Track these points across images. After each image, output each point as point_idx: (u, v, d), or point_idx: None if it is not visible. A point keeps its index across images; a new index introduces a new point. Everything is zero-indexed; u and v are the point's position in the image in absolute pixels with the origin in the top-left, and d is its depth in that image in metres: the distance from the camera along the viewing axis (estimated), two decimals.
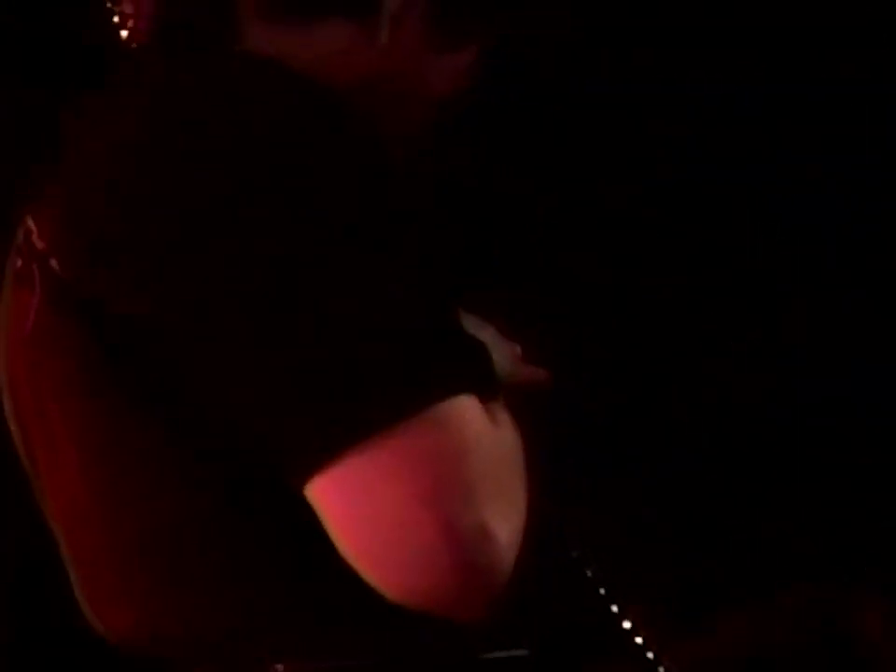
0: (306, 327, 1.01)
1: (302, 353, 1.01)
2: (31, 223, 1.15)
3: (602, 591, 1.25)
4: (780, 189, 2.56)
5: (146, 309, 1.05)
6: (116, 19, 1.24)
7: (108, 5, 1.26)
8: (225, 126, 1.05)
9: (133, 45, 1.24)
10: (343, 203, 1.04)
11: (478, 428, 1.03)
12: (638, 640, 1.28)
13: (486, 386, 1.07)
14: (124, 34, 1.24)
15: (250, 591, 1.10)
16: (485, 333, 1.32)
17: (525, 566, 1.05)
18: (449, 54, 1.25)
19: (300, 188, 1.03)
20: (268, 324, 1.01)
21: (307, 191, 1.04)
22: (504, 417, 1.09)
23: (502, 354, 1.33)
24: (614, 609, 1.25)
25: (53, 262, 1.10)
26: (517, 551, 1.03)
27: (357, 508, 1.00)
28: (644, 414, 2.50)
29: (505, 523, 1.02)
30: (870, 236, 2.54)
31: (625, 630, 1.28)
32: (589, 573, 1.25)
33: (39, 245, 1.12)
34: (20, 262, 1.17)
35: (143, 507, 1.12)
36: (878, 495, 2.48)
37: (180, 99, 1.09)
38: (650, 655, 1.28)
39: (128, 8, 1.23)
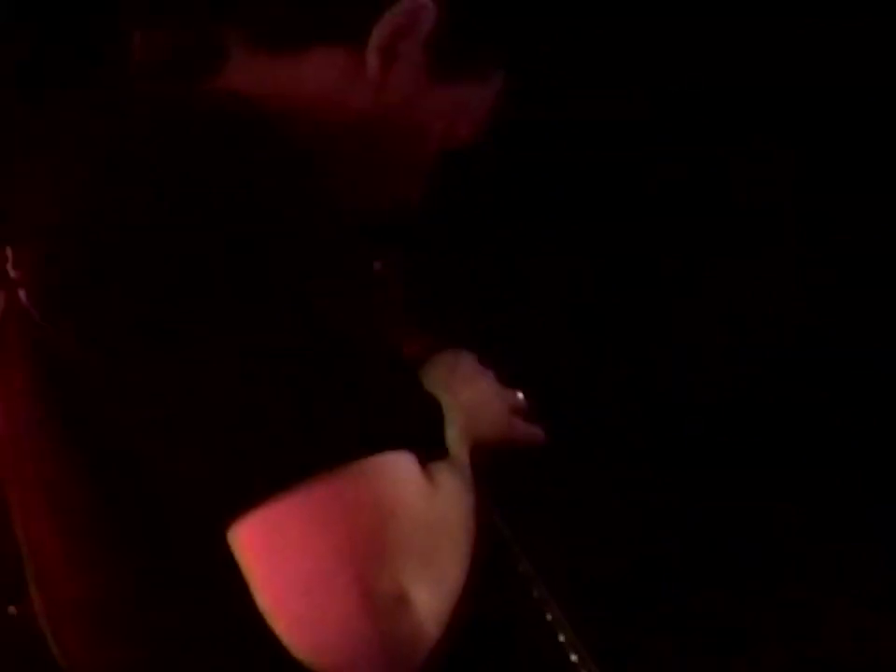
0: (245, 374, 0.97)
1: (237, 399, 0.97)
2: (9, 252, 1.11)
3: (560, 638, 1.19)
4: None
5: (95, 354, 1.02)
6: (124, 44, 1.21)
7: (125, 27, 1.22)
8: (185, 184, 1.02)
9: (129, 79, 1.18)
10: (292, 270, 1.00)
11: (408, 488, 0.97)
12: None
13: (428, 447, 1.01)
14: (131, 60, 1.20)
15: (186, 639, 1.06)
16: (483, 382, 1.28)
17: (478, 616, 1.01)
18: (458, 90, 1.16)
19: (252, 254, 1.00)
20: (208, 372, 0.98)
21: (259, 257, 1.00)
22: (448, 479, 1.03)
23: (494, 409, 1.28)
24: (573, 658, 1.18)
25: (22, 293, 1.07)
26: (441, 621, 0.97)
27: (274, 559, 0.96)
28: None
29: (427, 590, 0.96)
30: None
31: None
32: (561, 638, 1.19)
33: (13, 273, 1.09)
34: None
35: (87, 551, 1.09)
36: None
37: (143, 150, 1.04)
38: None
39: (137, 37, 1.20)
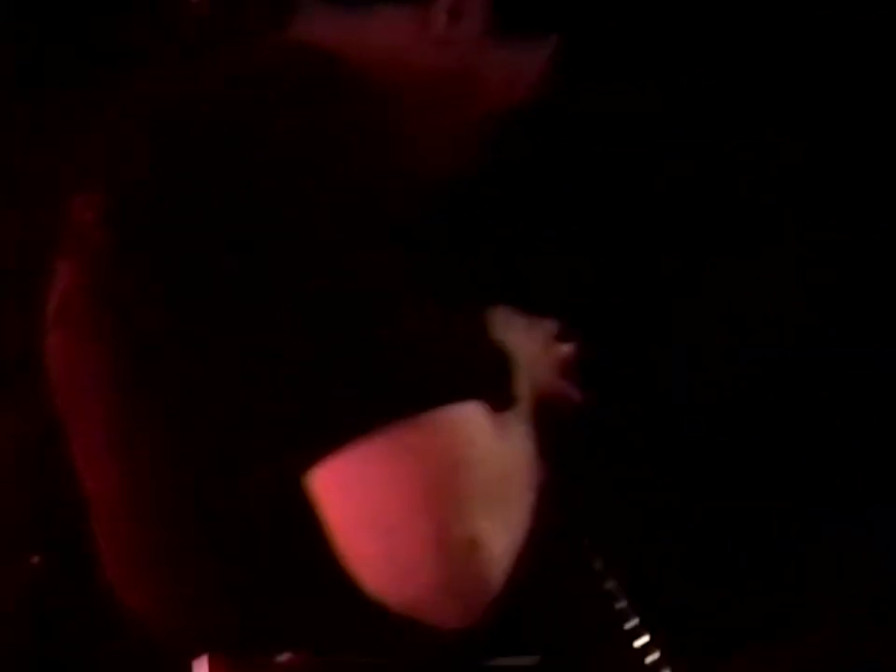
0: (327, 320, 1.01)
1: (320, 344, 1.01)
2: (80, 199, 1.15)
3: (618, 605, 1.24)
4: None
5: (183, 280, 1.06)
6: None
7: None
8: (267, 128, 1.04)
9: (194, 19, 1.23)
10: (363, 208, 1.04)
11: (481, 438, 1.01)
12: (649, 660, 1.27)
13: (498, 396, 1.06)
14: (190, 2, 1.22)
15: (260, 581, 1.09)
16: (536, 336, 1.32)
17: (536, 575, 1.04)
18: (509, 52, 1.22)
19: (322, 195, 1.03)
20: (292, 315, 1.02)
21: (331, 199, 1.03)
22: (516, 430, 1.09)
23: (544, 362, 1.32)
24: (628, 626, 1.23)
25: (98, 234, 1.10)
26: (509, 565, 1.01)
27: (351, 501, 1.00)
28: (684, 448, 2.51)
29: (497, 536, 1.00)
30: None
31: (636, 649, 1.27)
32: (608, 586, 1.24)
33: (86, 216, 1.12)
34: (65, 236, 1.18)
35: (160, 492, 1.12)
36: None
37: (224, 95, 1.08)
38: None
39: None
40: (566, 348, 1.38)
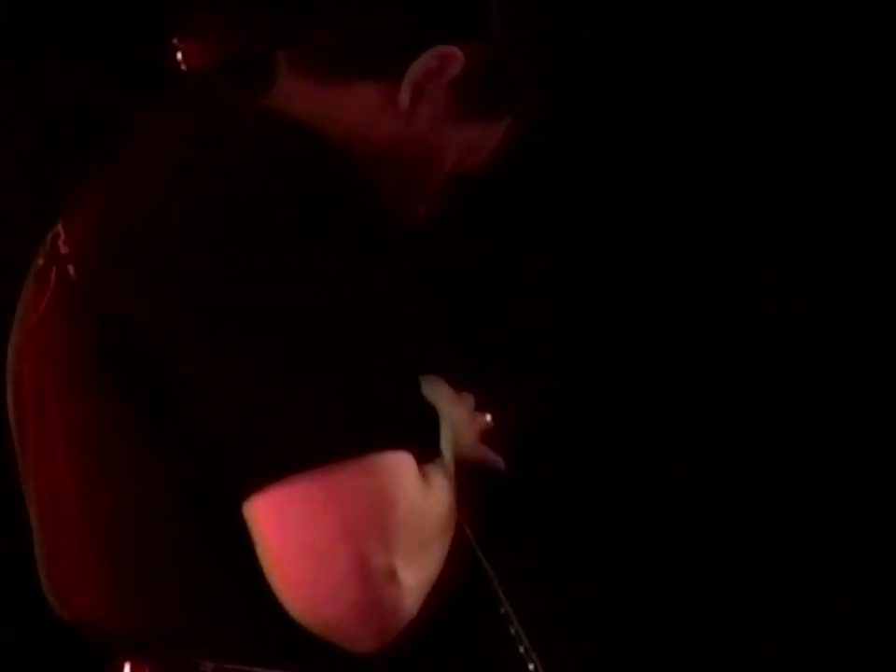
0: (284, 357, 1.10)
1: (274, 379, 1.10)
2: (60, 228, 1.26)
3: (521, 649, 1.33)
4: None
5: (145, 315, 1.15)
6: (178, 55, 1.33)
7: (173, 40, 1.33)
8: (245, 180, 1.15)
9: (187, 80, 1.33)
10: (329, 258, 1.13)
11: (407, 484, 1.11)
12: None
13: (426, 450, 1.16)
14: (182, 67, 1.33)
15: (194, 591, 1.18)
16: (462, 405, 1.45)
17: (446, 612, 1.15)
18: (473, 128, 1.34)
19: (295, 239, 1.13)
20: (253, 347, 1.11)
21: (302, 241, 1.13)
22: (438, 481, 1.18)
23: (467, 428, 1.45)
24: (530, 667, 1.32)
25: (70, 268, 1.21)
26: (420, 599, 1.12)
27: (286, 530, 1.09)
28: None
29: (413, 572, 1.11)
30: None
31: None
32: (512, 630, 1.33)
33: (63, 249, 1.23)
34: (41, 262, 1.28)
35: (114, 499, 1.21)
36: None
37: (205, 150, 1.19)
38: None
39: (190, 48, 1.32)
40: (487, 418, 1.53)
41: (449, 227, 1.49)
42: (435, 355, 1.30)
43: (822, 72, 2.56)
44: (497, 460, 1.51)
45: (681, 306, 2.59)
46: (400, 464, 1.11)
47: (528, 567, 2.23)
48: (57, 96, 2.33)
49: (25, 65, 2.36)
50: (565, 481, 2.58)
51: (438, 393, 1.34)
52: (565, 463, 2.57)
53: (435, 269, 2.41)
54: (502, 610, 1.33)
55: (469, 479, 1.30)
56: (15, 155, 2.31)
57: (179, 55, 1.33)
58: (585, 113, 2.52)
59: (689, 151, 2.61)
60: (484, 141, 1.37)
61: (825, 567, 2.59)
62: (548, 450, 2.48)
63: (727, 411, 2.60)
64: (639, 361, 2.60)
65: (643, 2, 2.57)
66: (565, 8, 1.43)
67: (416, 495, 1.12)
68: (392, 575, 1.09)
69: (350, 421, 1.10)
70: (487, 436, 1.51)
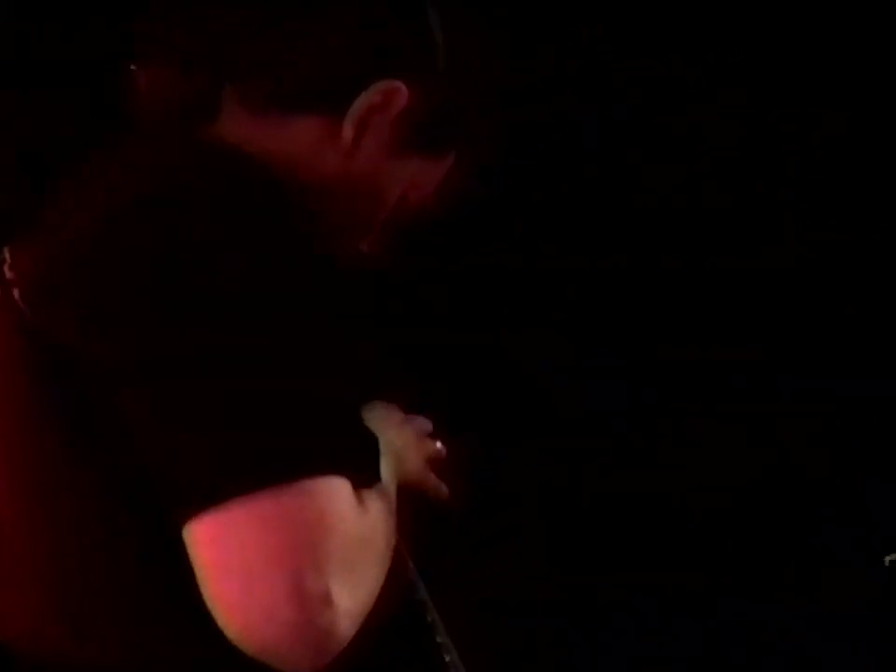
0: (220, 384, 1.12)
1: (209, 406, 1.12)
2: (7, 254, 1.27)
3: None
4: None
5: (85, 346, 1.16)
6: (128, 88, 1.35)
7: (131, 68, 1.35)
8: (186, 218, 1.16)
9: (136, 115, 1.34)
10: (273, 285, 1.15)
11: (341, 508, 1.12)
12: None
13: (362, 475, 1.17)
14: (131, 103, 1.35)
15: (134, 616, 1.19)
16: (409, 430, 1.46)
17: (381, 638, 1.16)
18: (417, 162, 1.36)
19: (234, 270, 1.15)
20: (189, 374, 1.12)
21: (246, 272, 1.14)
22: (375, 505, 1.19)
23: (414, 455, 1.47)
24: None
25: (16, 291, 1.22)
26: (356, 623, 1.13)
27: (221, 554, 1.10)
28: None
29: (348, 596, 1.11)
30: None
31: None
32: (447, 658, 1.34)
33: (8, 274, 1.24)
34: None
35: (53, 525, 1.21)
36: None
37: (148, 185, 1.20)
38: None
39: (143, 75, 1.34)
40: (437, 445, 1.53)
41: (449, 227, 1.49)
42: (393, 379, 1.32)
43: (822, 72, 2.56)
44: (439, 487, 1.52)
45: (681, 306, 2.60)
46: (335, 489, 1.12)
47: (529, 567, 2.24)
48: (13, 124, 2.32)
49: None
50: (564, 481, 2.58)
51: (384, 419, 1.37)
52: (563, 464, 2.57)
53: (435, 269, 2.43)
54: (438, 639, 1.35)
55: (411, 504, 1.32)
56: None
57: (134, 82, 1.34)
58: (585, 113, 2.52)
59: (689, 151, 2.60)
60: (428, 176, 1.39)
61: (825, 566, 2.59)
62: (495, 482, 2.48)
63: (727, 411, 2.60)
64: (639, 361, 2.60)
65: (643, 2, 2.57)
66: (564, 8, 1.43)
67: (351, 519, 1.13)
68: (326, 598, 1.09)
69: (284, 447, 1.11)
70: (435, 462, 1.52)
